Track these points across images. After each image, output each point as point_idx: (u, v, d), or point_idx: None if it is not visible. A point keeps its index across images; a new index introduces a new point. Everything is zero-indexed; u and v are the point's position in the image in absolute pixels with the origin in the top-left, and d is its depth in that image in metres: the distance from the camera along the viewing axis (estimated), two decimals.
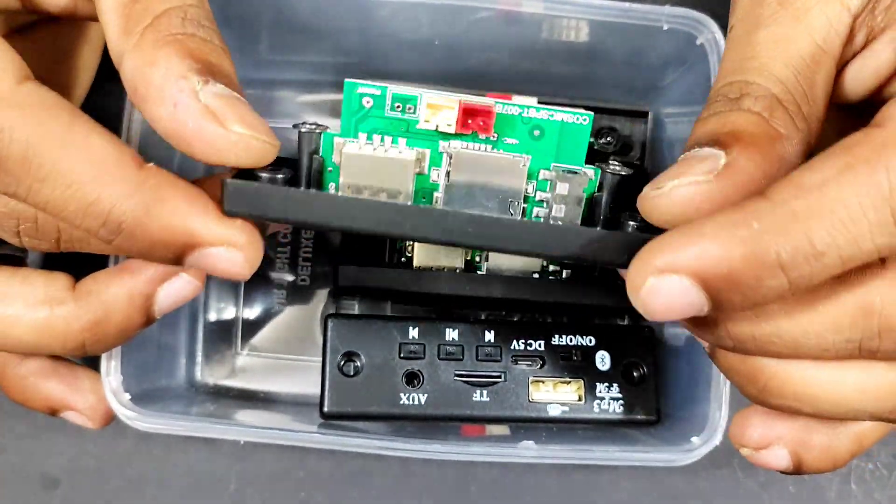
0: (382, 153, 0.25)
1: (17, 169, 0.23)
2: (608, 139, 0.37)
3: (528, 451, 0.33)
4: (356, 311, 0.36)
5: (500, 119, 0.25)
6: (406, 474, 0.39)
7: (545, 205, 0.27)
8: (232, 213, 0.24)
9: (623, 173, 0.26)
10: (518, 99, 0.34)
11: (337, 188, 0.26)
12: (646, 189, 0.25)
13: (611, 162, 0.26)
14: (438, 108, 0.25)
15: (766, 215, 0.21)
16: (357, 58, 0.38)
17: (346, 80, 0.25)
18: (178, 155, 0.37)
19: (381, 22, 0.36)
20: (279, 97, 0.41)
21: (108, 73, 0.34)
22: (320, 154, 0.26)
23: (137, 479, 0.39)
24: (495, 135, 0.26)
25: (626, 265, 0.23)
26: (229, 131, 0.23)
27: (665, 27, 0.34)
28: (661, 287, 0.22)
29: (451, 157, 0.25)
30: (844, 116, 0.31)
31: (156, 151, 0.35)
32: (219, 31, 0.26)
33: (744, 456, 0.30)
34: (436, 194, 0.27)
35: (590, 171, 0.26)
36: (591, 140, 0.37)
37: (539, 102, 0.35)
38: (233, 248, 0.24)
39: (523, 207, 0.26)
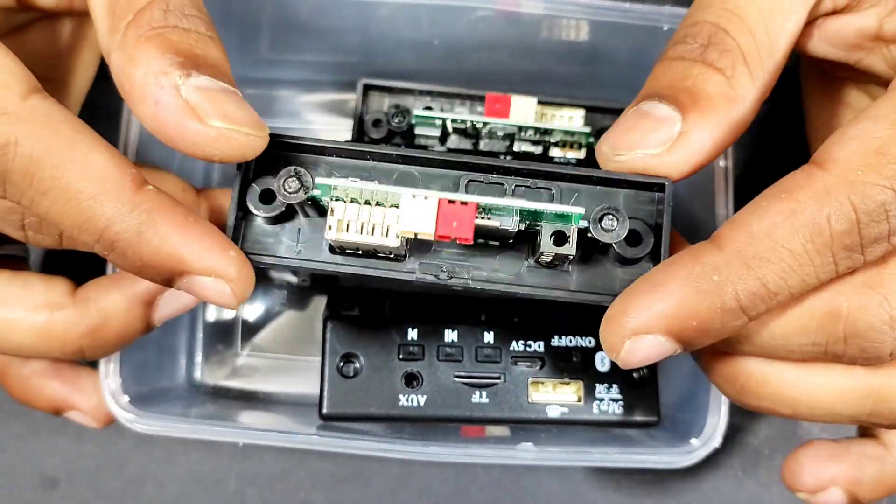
0: (370, 238, 0.24)
1: (21, 181, 0.23)
2: None
3: (528, 452, 0.33)
4: (356, 313, 0.36)
5: (487, 208, 0.25)
6: (405, 475, 0.39)
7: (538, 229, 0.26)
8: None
9: (609, 241, 0.25)
10: (517, 101, 0.34)
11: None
12: (604, 148, 0.26)
13: (605, 219, 0.25)
14: (411, 233, 0.24)
15: (724, 267, 0.23)
16: (357, 57, 0.38)
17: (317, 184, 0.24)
18: (179, 153, 0.37)
19: (381, 21, 0.35)
20: (280, 96, 0.41)
21: (107, 71, 0.34)
22: (313, 196, 0.26)
23: (136, 480, 0.39)
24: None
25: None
26: (208, 127, 0.23)
27: (665, 27, 0.34)
28: (637, 347, 0.23)
29: None
30: (815, 70, 0.32)
31: (156, 150, 0.35)
32: (207, 17, 0.25)
33: (801, 500, 0.31)
34: None
35: (580, 223, 0.25)
36: (591, 140, 0.36)
37: (539, 103, 0.36)
38: (220, 279, 0.24)
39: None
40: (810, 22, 0.27)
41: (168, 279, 0.24)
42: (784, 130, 0.38)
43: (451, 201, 0.24)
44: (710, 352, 0.27)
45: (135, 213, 0.23)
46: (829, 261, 0.23)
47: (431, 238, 0.24)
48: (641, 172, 0.25)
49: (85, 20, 0.33)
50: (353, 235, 0.24)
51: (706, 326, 0.23)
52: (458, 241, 0.25)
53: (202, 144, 0.23)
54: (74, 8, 0.28)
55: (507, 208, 0.24)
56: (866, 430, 0.32)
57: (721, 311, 0.23)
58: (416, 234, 0.24)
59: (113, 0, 0.24)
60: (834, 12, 0.27)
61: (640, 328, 0.23)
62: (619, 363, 0.24)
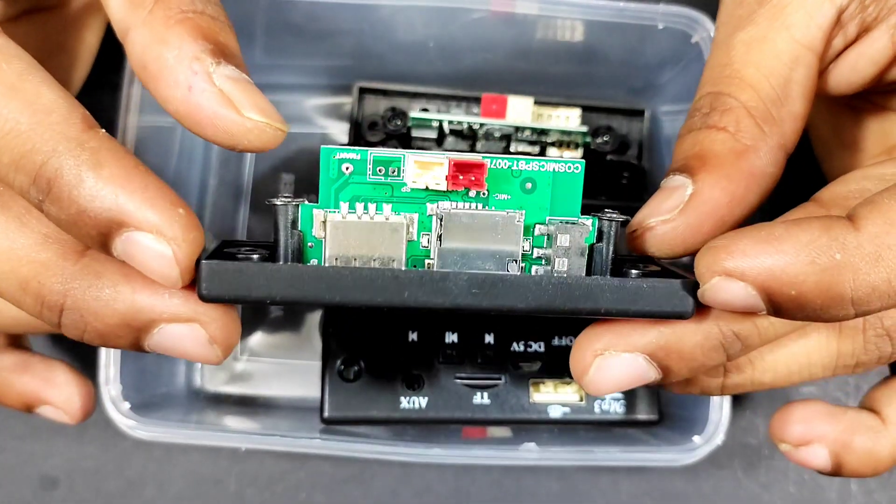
0: (369, 220, 0.23)
1: None
2: (605, 138, 0.37)
3: (530, 453, 0.33)
4: (356, 316, 0.36)
5: (491, 174, 0.24)
6: (406, 477, 0.39)
7: (544, 262, 0.25)
8: (209, 298, 0.22)
9: (620, 219, 0.24)
10: (513, 101, 0.34)
11: (320, 264, 0.24)
12: (627, 229, 0.26)
13: (606, 211, 0.24)
14: (428, 165, 0.24)
15: (853, 249, 0.21)
16: (352, 60, 0.38)
17: (322, 146, 0.24)
18: (174, 161, 0.37)
19: (376, 24, 0.35)
20: (275, 101, 0.40)
21: (102, 74, 0.34)
22: (299, 228, 0.24)
23: (136, 481, 0.39)
24: (486, 192, 0.24)
25: (659, 315, 0.23)
26: (244, 118, 0.23)
27: (660, 26, 0.34)
28: (724, 288, 0.22)
29: (441, 220, 0.24)
30: (840, 110, 0.32)
31: (151, 155, 0.35)
32: (223, 6, 0.25)
33: (782, 451, 0.30)
34: (428, 261, 0.25)
35: (587, 221, 0.25)
36: (588, 140, 0.37)
37: (536, 103, 0.36)
38: (162, 238, 0.22)
39: (522, 266, 0.24)
40: (827, 63, 0.27)
41: (104, 235, 0.22)
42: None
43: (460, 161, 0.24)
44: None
45: (77, 150, 0.21)
46: None
47: (443, 181, 0.24)
48: (662, 244, 0.25)
49: (80, 15, 0.32)
50: (354, 219, 0.24)
51: (804, 302, 0.21)
52: (470, 190, 0.24)
53: (235, 134, 0.23)
54: None
55: (508, 180, 0.24)
56: (868, 405, 0.31)
57: (829, 295, 0.21)
58: (426, 187, 0.24)
59: None
60: (846, 47, 0.27)
61: (736, 270, 0.21)
62: (700, 297, 0.22)
